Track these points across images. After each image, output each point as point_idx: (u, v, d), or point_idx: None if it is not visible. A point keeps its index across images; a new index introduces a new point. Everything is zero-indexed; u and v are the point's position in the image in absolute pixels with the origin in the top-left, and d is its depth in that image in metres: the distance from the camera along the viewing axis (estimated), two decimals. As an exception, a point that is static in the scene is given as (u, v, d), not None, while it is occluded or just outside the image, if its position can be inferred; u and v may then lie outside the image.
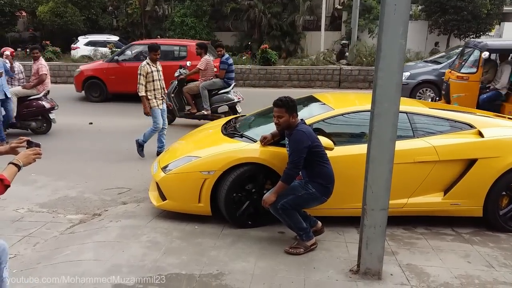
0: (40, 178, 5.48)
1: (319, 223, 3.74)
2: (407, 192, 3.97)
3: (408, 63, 12.32)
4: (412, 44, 16.12)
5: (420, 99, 10.49)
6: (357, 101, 4.86)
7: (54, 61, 16.07)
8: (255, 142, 4.07)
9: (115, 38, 20.67)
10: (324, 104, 4.53)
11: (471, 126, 4.17)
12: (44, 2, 22.09)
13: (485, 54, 7.78)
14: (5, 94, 6.95)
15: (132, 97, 12.65)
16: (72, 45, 19.31)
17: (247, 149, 4.01)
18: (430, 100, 9.82)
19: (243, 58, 16.55)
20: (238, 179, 3.87)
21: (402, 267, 3.33)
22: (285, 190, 3.42)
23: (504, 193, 4.00)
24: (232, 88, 8.47)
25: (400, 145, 3.70)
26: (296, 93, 7.45)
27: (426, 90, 10.72)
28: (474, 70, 8.02)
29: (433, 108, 4.50)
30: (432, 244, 3.75)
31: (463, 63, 8.61)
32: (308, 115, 4.17)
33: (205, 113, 8.25)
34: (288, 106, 3.46)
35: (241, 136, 4.38)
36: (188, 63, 9.64)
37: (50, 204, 4.72)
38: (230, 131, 4.65)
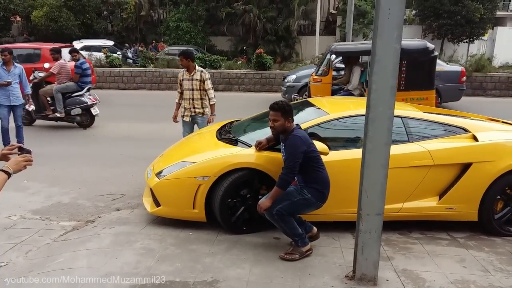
0: (33, 184, 5.42)
1: (315, 228, 3.73)
2: (402, 197, 3.96)
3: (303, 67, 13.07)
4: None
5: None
6: (352, 106, 4.86)
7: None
8: (250, 147, 4.05)
9: (110, 42, 20.67)
10: (319, 108, 4.53)
11: (466, 130, 4.17)
12: (38, 7, 22.08)
13: (333, 56, 8.49)
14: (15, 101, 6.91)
15: (124, 103, 12.63)
16: (67, 50, 19.24)
17: (242, 154, 3.99)
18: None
19: (238, 62, 16.59)
20: (233, 184, 3.84)
21: (397, 272, 3.31)
22: (280, 195, 3.39)
23: (499, 197, 4.00)
24: (87, 91, 8.84)
25: (395, 149, 3.70)
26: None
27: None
28: (326, 72, 8.61)
29: (427, 113, 4.51)
30: (428, 249, 3.74)
31: (319, 66, 9.23)
32: (303, 119, 4.16)
33: (59, 115, 8.57)
34: (283, 110, 3.45)
35: (236, 141, 4.36)
36: (46, 65, 9.85)
37: (43, 211, 4.67)
38: (225, 136, 4.63)
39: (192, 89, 5.74)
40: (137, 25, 23.87)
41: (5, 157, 2.51)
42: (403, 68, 7.81)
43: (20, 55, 11.54)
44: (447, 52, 19.46)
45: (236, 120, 5.50)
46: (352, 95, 8.23)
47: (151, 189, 4.17)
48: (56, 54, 8.72)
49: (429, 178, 3.94)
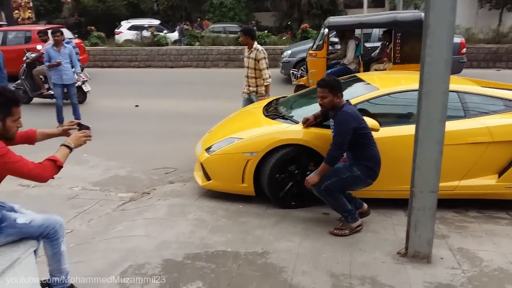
0: (92, 158, 5.74)
1: (365, 205, 3.70)
2: (459, 174, 3.82)
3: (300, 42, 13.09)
4: (462, 20, 15.26)
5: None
6: (403, 81, 4.70)
7: (99, 46, 16.60)
8: (297, 123, 4.05)
9: (156, 21, 21.03)
10: (369, 84, 4.42)
11: (528, 105, 3.93)
12: (88, -12, 22.76)
13: (326, 31, 8.34)
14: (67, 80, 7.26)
15: (172, 81, 12.90)
16: (116, 30, 19.83)
17: (289, 130, 4.00)
18: (295, 78, 9.68)
19: (283, 38, 16.35)
20: (280, 160, 3.88)
21: (453, 251, 3.24)
22: (329, 171, 3.39)
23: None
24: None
25: (451, 125, 3.56)
26: (339, 73, 7.21)
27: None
28: (320, 46, 8.53)
29: (486, 87, 4.27)
30: (485, 228, 3.61)
31: (315, 41, 9.17)
32: (352, 95, 4.08)
33: (52, 92, 8.47)
34: (331, 86, 3.40)
35: (283, 117, 4.37)
36: (38, 47, 9.87)
37: (102, 183, 4.96)
38: (272, 112, 4.65)
39: (248, 67, 5.71)
40: (182, 3, 24.06)
41: (66, 133, 2.70)
42: (397, 41, 7.77)
43: (15, 37, 12.51)
44: (507, 22, 18.09)
45: (283, 97, 5.49)
46: (349, 69, 8.17)
47: (201, 163, 4.30)
48: (44, 36, 9.06)
49: (487, 155, 3.77)
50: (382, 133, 3.72)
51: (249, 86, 5.80)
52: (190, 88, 11.46)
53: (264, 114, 4.61)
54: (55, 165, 2.36)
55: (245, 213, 3.90)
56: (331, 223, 3.64)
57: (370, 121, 3.62)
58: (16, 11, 18.28)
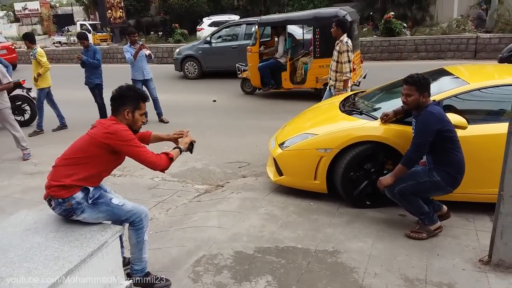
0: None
1: (445, 207, 3.45)
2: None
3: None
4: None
5: (187, 70, 12.78)
6: (496, 74, 4.29)
7: (182, 42, 17.40)
8: (375, 119, 3.89)
9: (236, 17, 21.45)
10: (457, 77, 4.08)
11: None
12: (174, -13, 23.87)
13: (256, 27, 9.42)
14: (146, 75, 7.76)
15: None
16: (198, 27, 20.62)
17: (367, 126, 3.85)
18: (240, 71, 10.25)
19: (364, 29, 15.79)
20: (356, 158, 3.76)
21: (546, 263, 2.90)
22: (405, 174, 3.20)
23: None
24: None
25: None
26: (424, 66, 6.88)
27: (192, 63, 12.72)
28: (254, 42, 9.43)
29: None
30: None
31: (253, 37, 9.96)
32: (438, 90, 3.80)
33: None
34: (419, 84, 3.16)
35: (361, 113, 4.22)
36: None
37: (180, 175, 5.23)
38: (349, 108, 4.52)
39: (333, 60, 5.61)
40: (261, -3, 24.28)
41: (175, 140, 3.13)
42: (316, 36, 8.41)
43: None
44: None
45: (361, 91, 5.30)
46: (280, 62, 9.05)
47: (274, 159, 4.33)
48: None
49: None
50: (470, 132, 3.43)
51: (331, 79, 5.69)
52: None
53: (340, 110, 4.49)
54: (168, 158, 2.73)
55: (316, 211, 3.86)
56: (407, 226, 3.46)
57: (456, 118, 3.35)
58: (109, 11, 19.84)
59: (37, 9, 33.76)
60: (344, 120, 4.20)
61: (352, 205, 3.88)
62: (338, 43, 5.48)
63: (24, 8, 34.16)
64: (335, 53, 5.53)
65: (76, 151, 2.62)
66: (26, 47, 7.50)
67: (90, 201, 2.57)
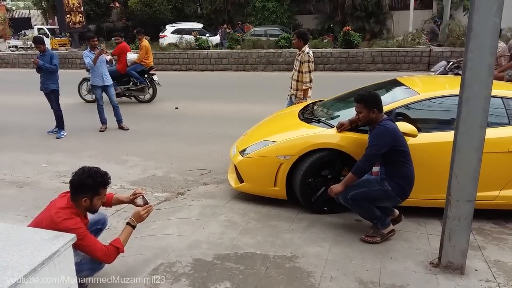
0: (131, 158, 5.96)
1: (396, 211, 3.59)
2: (499, 184, 3.64)
3: None
4: (508, 22, 14.48)
5: None
6: (447, 85, 4.53)
7: (145, 49, 17.10)
8: (332, 127, 4.01)
9: (199, 25, 21.45)
10: (409, 88, 4.29)
11: None
12: (135, -7, 23.58)
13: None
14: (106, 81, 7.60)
15: (210, 84, 13.12)
16: (160, 34, 20.43)
17: (324, 134, 3.96)
18: None
19: (325, 41, 16.24)
20: (314, 164, 3.85)
21: (488, 263, 3.08)
22: (359, 181, 3.32)
23: None
24: None
25: (493, 132, 3.41)
26: (380, 77, 7.14)
27: None
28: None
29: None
30: (527, 241, 3.42)
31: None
32: (391, 99, 3.99)
33: None
34: (366, 101, 3.31)
35: (318, 121, 4.34)
36: None
37: (139, 182, 5.14)
38: (307, 116, 4.63)
39: (294, 69, 5.73)
40: (225, 7, 24.43)
41: (132, 201, 3.12)
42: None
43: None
44: None
45: (319, 101, 5.44)
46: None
47: (235, 166, 4.35)
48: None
49: (532, 165, 3.56)
50: (420, 139, 3.61)
51: (291, 88, 5.81)
52: (229, 91, 11.63)
53: (299, 118, 4.60)
54: (118, 252, 2.72)
55: (276, 217, 3.91)
56: (363, 230, 3.57)
57: (407, 127, 3.53)
58: (68, 16, 19.29)
59: (-8, 12, 32.33)
60: (303, 128, 4.30)
61: (310, 210, 3.96)
62: (300, 54, 5.61)
63: (-23, 10, 32.63)
64: (296, 62, 5.66)
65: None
66: None
67: None
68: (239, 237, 3.52)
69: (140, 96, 10.21)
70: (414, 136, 3.54)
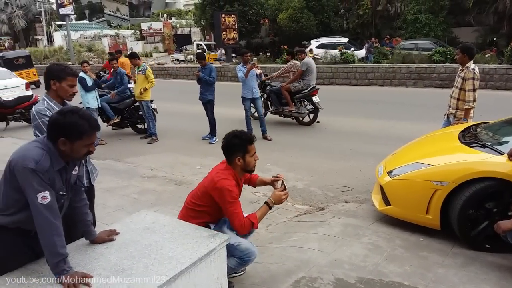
0: (273, 167, 6.16)
1: None
2: None
3: None
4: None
5: None
6: None
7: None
8: (502, 154, 3.50)
9: (344, 39, 21.34)
10: None
11: None
12: (284, 10, 24.66)
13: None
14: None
15: (355, 99, 12.82)
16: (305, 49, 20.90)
17: (490, 162, 3.49)
18: None
19: (486, 56, 14.50)
20: (476, 195, 3.41)
21: None
22: None
23: None
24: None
25: None
26: None
27: None
28: None
29: None
30: None
31: None
32: None
33: None
34: None
35: (483, 146, 3.84)
36: None
37: (281, 192, 5.25)
38: (470, 139, 4.14)
39: (455, 86, 5.21)
40: (373, 20, 23.85)
41: (272, 183, 3.27)
42: None
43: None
44: None
45: (484, 123, 4.83)
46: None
47: (381, 186, 4.13)
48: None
49: None
50: None
51: (450, 106, 5.28)
52: (373, 106, 11.21)
53: (460, 140, 4.14)
54: (251, 226, 2.80)
55: (426, 247, 3.57)
56: (537, 279, 3.01)
57: None
58: (224, 32, 21.18)
59: (160, 29, 37.61)
60: (463, 152, 3.86)
61: (468, 246, 3.51)
62: (463, 70, 5.08)
63: (149, 28, 38.31)
64: (458, 79, 5.14)
65: (196, 198, 2.92)
66: (132, 64, 8.50)
67: None
68: (384, 263, 3.31)
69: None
70: None
